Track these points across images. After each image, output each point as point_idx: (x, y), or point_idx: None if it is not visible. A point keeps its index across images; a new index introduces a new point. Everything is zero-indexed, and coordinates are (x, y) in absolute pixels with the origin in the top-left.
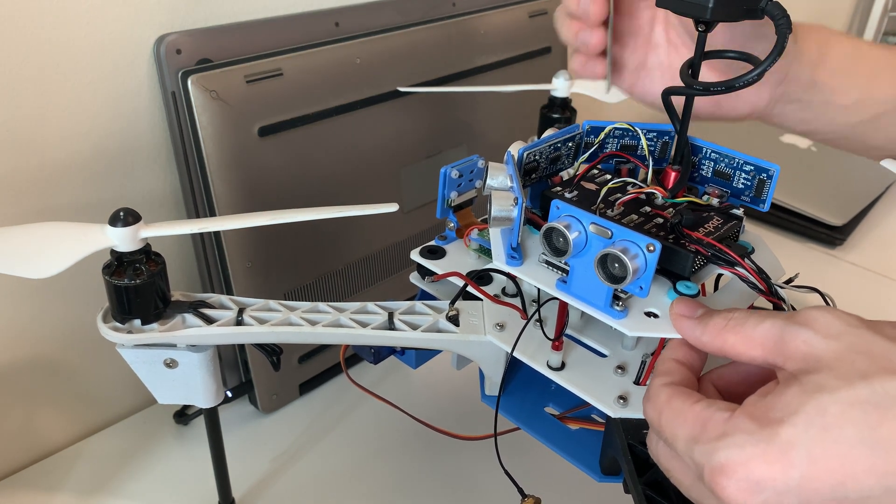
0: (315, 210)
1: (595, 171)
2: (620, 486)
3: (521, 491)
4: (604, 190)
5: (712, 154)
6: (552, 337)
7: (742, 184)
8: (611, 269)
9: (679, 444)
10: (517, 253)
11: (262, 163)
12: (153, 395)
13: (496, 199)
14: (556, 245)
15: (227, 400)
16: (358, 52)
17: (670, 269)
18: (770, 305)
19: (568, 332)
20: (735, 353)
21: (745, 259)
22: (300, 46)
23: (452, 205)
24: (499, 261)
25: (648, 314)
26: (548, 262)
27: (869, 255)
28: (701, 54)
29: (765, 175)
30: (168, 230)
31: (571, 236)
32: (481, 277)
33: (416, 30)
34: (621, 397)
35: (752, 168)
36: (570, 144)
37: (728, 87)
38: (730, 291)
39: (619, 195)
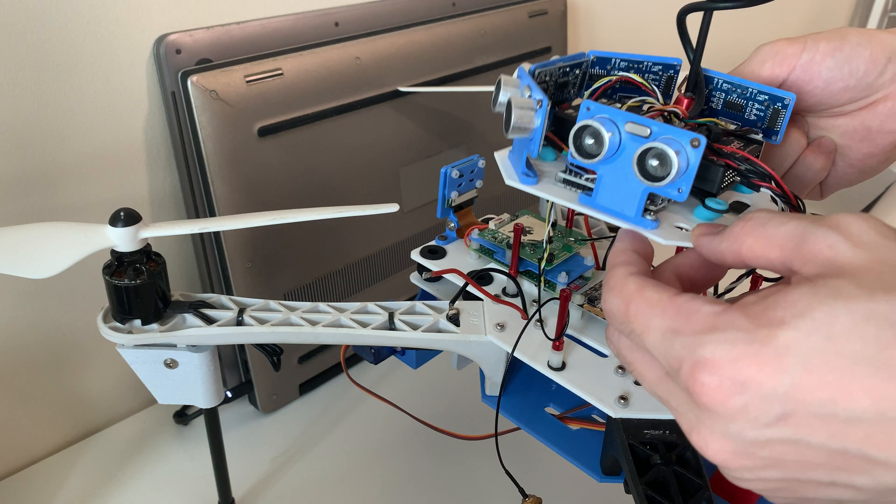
0: (315, 210)
1: (604, 101)
2: (621, 486)
3: (521, 491)
4: (624, 107)
5: (724, 84)
6: (553, 337)
7: (755, 115)
8: (649, 168)
9: (651, 335)
10: (531, 171)
11: (262, 163)
12: (153, 395)
13: (517, 105)
14: (586, 148)
15: (227, 400)
16: (358, 51)
17: (698, 186)
18: None
19: (568, 332)
20: (752, 255)
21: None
22: (300, 46)
23: (452, 205)
24: (511, 180)
25: (679, 227)
26: (566, 182)
27: None
28: None
29: (780, 104)
30: (168, 230)
31: (607, 135)
32: (482, 277)
33: (416, 30)
34: (622, 397)
35: (767, 97)
36: (577, 72)
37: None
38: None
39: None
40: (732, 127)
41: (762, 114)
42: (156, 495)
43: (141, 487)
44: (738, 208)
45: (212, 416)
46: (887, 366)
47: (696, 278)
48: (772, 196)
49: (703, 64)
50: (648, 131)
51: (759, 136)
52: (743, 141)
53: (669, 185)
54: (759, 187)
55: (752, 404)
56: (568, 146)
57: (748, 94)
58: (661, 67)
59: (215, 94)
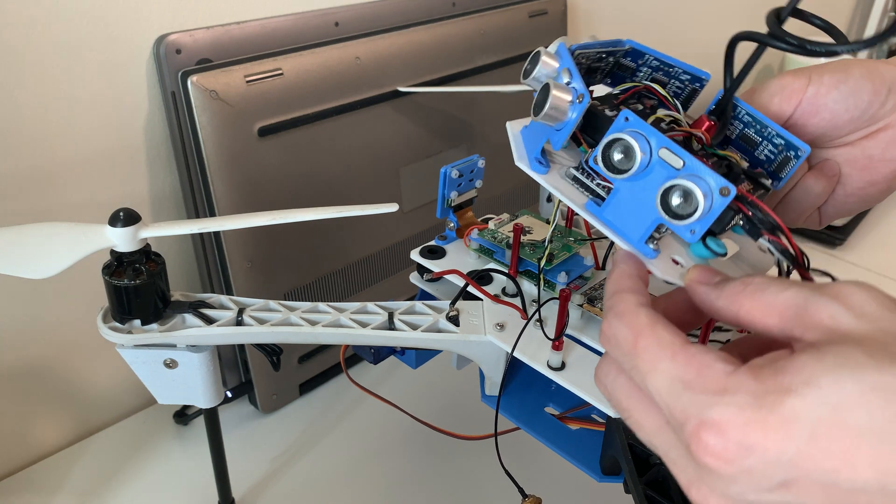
0: (315, 210)
1: (632, 99)
2: (620, 486)
3: (521, 491)
4: (651, 119)
5: (745, 116)
6: (552, 337)
7: (765, 156)
8: (672, 203)
9: (657, 378)
10: (545, 158)
11: (262, 163)
12: (153, 395)
13: (556, 91)
14: (613, 161)
15: (227, 400)
16: (358, 51)
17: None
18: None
19: (568, 331)
20: (749, 319)
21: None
22: (300, 46)
23: (452, 205)
24: (521, 163)
25: (675, 262)
26: (576, 179)
27: (869, 255)
28: (794, 3)
29: (793, 153)
30: (168, 230)
31: (640, 157)
32: (481, 277)
33: (416, 30)
34: None
35: (783, 143)
36: (610, 59)
37: (828, 50)
38: (745, 257)
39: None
40: (745, 164)
41: (773, 157)
42: (156, 495)
43: (141, 487)
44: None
45: (212, 416)
46: (893, 439)
47: (683, 320)
48: (768, 248)
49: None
50: (681, 163)
51: (769, 182)
52: (752, 183)
53: (686, 226)
54: (761, 236)
55: (756, 469)
56: (586, 142)
57: (766, 133)
58: (689, 78)
59: (215, 94)
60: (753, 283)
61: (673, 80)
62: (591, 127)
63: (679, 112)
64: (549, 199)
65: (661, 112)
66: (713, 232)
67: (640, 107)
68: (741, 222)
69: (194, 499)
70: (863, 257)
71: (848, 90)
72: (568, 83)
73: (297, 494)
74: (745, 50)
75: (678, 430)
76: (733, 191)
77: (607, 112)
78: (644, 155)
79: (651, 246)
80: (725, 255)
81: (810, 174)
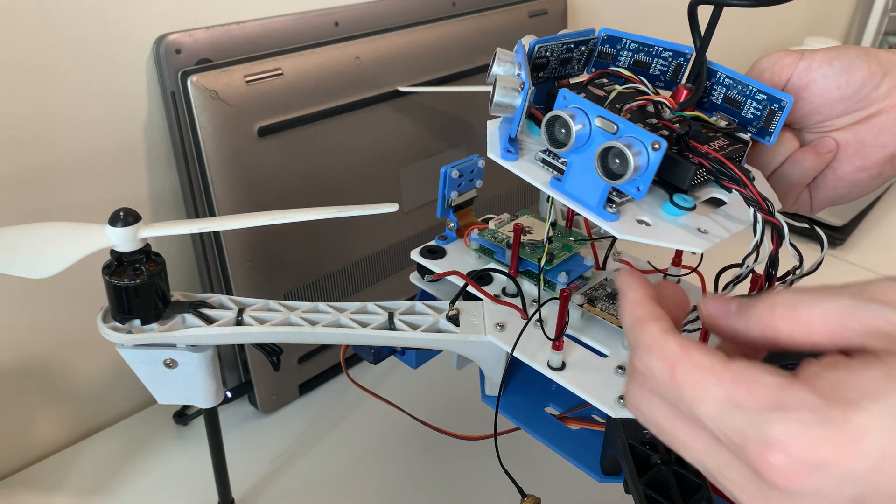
0: (315, 210)
1: (605, 80)
2: (621, 486)
3: (521, 491)
4: (612, 94)
5: (726, 80)
6: (552, 337)
7: (752, 113)
8: (611, 164)
9: (708, 406)
10: (514, 147)
11: (262, 163)
12: (153, 395)
13: (501, 83)
14: (557, 136)
15: (227, 400)
16: (358, 51)
17: (669, 181)
18: (769, 230)
19: (568, 332)
20: (792, 342)
21: (749, 180)
22: (300, 46)
23: (452, 205)
24: (493, 153)
25: (640, 222)
26: (544, 161)
27: (869, 255)
28: None
29: (776, 106)
30: (168, 230)
31: (575, 127)
32: (481, 277)
33: (416, 30)
34: (622, 397)
35: (765, 97)
36: (582, 49)
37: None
38: (724, 216)
39: (627, 103)
40: (724, 123)
41: (759, 113)
42: (156, 495)
43: (141, 487)
44: (717, 203)
45: (212, 416)
46: None
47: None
48: (743, 198)
49: (709, 58)
50: (615, 128)
51: (747, 136)
52: (730, 139)
53: (628, 183)
54: (731, 189)
55: (827, 486)
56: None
57: (748, 92)
58: (671, 54)
59: (215, 94)
60: (779, 303)
61: (656, 59)
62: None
63: (645, 85)
64: (549, 198)
65: (622, 87)
66: (682, 190)
67: (617, 86)
68: (710, 178)
69: (194, 499)
70: (863, 257)
71: (841, 67)
72: (517, 74)
73: (297, 494)
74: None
75: (738, 451)
76: (664, 144)
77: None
78: (583, 126)
79: (610, 210)
80: (694, 207)
81: (801, 150)
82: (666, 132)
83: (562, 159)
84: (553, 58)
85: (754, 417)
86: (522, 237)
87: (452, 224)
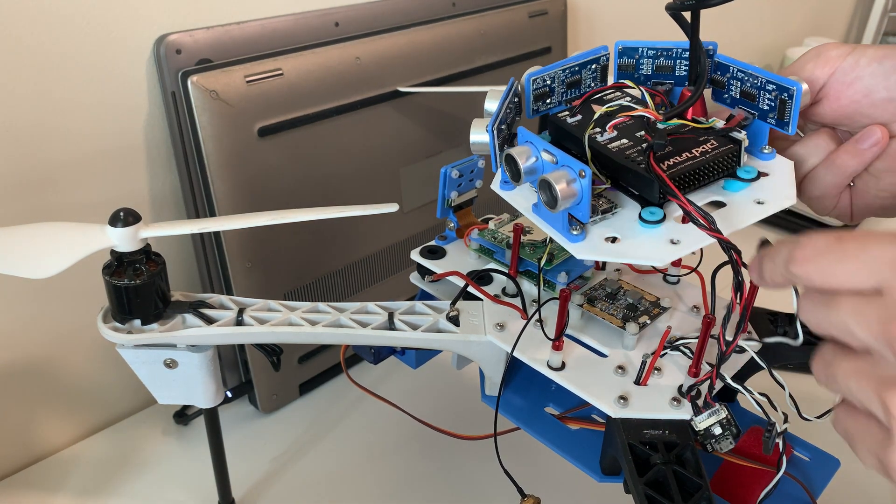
0: (315, 210)
1: (614, 93)
2: (621, 486)
3: (520, 491)
4: (596, 114)
5: (738, 73)
6: (552, 337)
7: (767, 105)
8: (546, 194)
9: None
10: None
11: (262, 163)
12: (153, 395)
13: (474, 127)
14: (512, 170)
15: (227, 400)
16: (358, 51)
17: (642, 195)
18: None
19: (568, 331)
20: (847, 282)
21: (686, 195)
22: (300, 46)
23: (452, 205)
24: (495, 184)
25: (609, 239)
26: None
27: None
28: None
29: (786, 94)
30: (168, 230)
31: (524, 163)
32: (481, 277)
33: (416, 30)
34: (621, 397)
35: (774, 87)
36: (593, 67)
37: None
38: (717, 217)
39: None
40: (720, 124)
41: (772, 104)
42: (156, 495)
43: (141, 487)
44: (719, 205)
45: (212, 416)
46: None
47: None
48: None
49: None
50: (555, 159)
51: (742, 136)
52: (720, 140)
53: (570, 209)
54: (755, 171)
55: None
56: (563, 147)
57: (759, 84)
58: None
59: (215, 94)
60: (821, 242)
61: (677, 62)
62: (562, 137)
63: (644, 96)
64: None
65: (606, 107)
66: (652, 202)
67: (622, 102)
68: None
69: (194, 499)
70: None
71: (891, 66)
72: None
73: (297, 494)
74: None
75: None
76: (588, 172)
77: (568, 119)
78: (536, 159)
79: (574, 232)
80: (663, 218)
81: (837, 150)
82: (645, 144)
83: None
84: (557, 84)
85: None
86: (522, 237)
87: (452, 224)
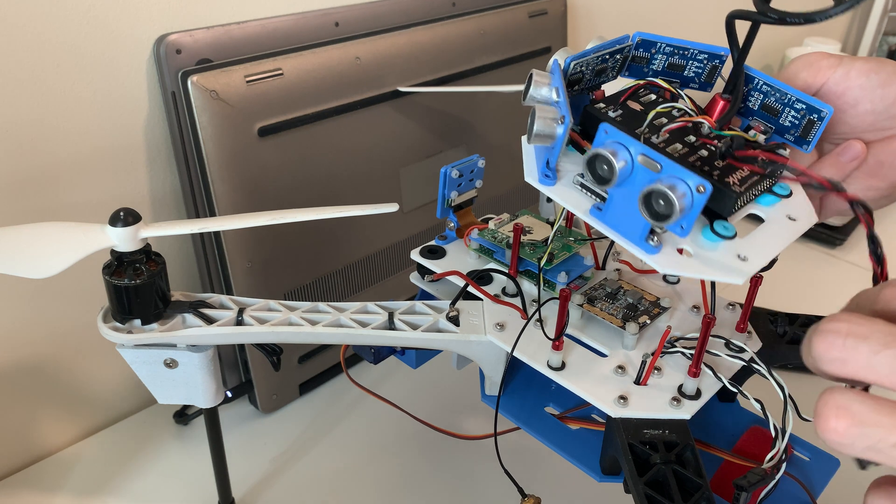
0: (315, 210)
1: (640, 91)
2: (621, 485)
3: (521, 491)
4: (651, 114)
5: (763, 86)
6: (552, 337)
7: (790, 122)
8: (655, 205)
9: None
10: (552, 172)
11: (262, 163)
12: (153, 395)
13: (540, 114)
14: (599, 173)
15: (227, 400)
16: (358, 51)
17: (711, 207)
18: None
19: (568, 331)
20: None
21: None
22: (300, 46)
23: (452, 205)
24: (531, 178)
25: (680, 251)
26: (583, 186)
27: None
28: None
29: (815, 116)
30: (168, 230)
31: (618, 165)
32: (482, 277)
33: (416, 30)
34: (622, 397)
35: (804, 107)
36: (617, 57)
37: (806, 18)
38: (766, 235)
39: (664, 120)
40: (762, 138)
41: (797, 122)
42: (156, 495)
43: (141, 487)
44: (756, 220)
45: (212, 416)
46: None
47: None
48: (811, 187)
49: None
50: (659, 167)
51: (787, 152)
52: (768, 153)
53: (673, 224)
54: (789, 188)
55: None
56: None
57: (786, 100)
58: (706, 56)
59: (215, 94)
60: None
61: (690, 62)
62: (594, 127)
63: (684, 99)
64: (550, 199)
65: (661, 107)
66: (723, 216)
67: (654, 96)
68: (757, 194)
69: (194, 499)
70: (863, 257)
71: (879, 81)
72: (556, 102)
73: (297, 494)
74: (743, 28)
75: None
76: (708, 188)
77: (611, 114)
78: (625, 163)
79: (651, 242)
80: (734, 236)
81: (819, 161)
82: (705, 152)
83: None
84: (588, 71)
85: None
86: (522, 237)
87: (452, 224)
